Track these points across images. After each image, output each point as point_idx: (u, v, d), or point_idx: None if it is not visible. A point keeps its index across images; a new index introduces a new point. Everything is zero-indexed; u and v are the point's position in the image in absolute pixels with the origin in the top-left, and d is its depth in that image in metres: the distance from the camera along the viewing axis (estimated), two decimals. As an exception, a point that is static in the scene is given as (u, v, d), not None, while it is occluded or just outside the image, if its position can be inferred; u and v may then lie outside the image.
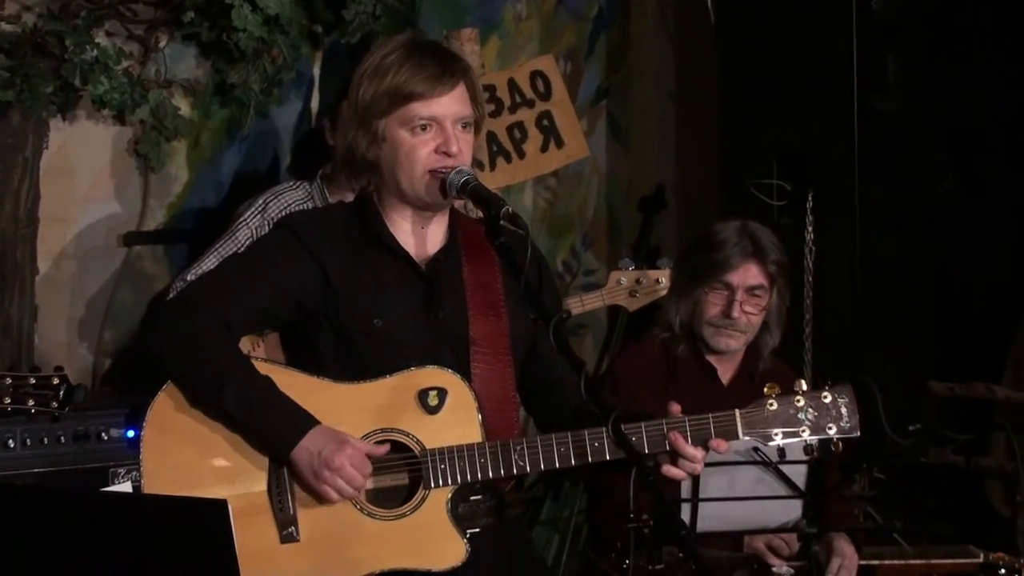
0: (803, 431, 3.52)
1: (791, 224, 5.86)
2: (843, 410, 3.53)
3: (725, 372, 4.76)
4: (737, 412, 3.51)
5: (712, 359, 4.73)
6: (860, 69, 5.82)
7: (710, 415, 3.49)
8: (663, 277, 5.11)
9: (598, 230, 6.80)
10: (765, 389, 3.53)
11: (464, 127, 3.56)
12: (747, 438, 3.51)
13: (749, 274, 4.65)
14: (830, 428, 3.52)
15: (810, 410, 3.52)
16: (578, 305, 5.14)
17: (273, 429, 3.45)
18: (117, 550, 2.86)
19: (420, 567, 3.46)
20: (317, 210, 4.46)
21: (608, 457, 3.46)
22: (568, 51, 6.60)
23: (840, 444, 3.53)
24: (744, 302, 4.64)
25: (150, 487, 3.47)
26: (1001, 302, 6.39)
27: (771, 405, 3.52)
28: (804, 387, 3.53)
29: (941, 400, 6.00)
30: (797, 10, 6.00)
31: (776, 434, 3.51)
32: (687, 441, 3.46)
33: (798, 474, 4.10)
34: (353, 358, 3.53)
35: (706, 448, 3.48)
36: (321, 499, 3.45)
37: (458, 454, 3.47)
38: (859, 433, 3.54)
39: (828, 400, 3.53)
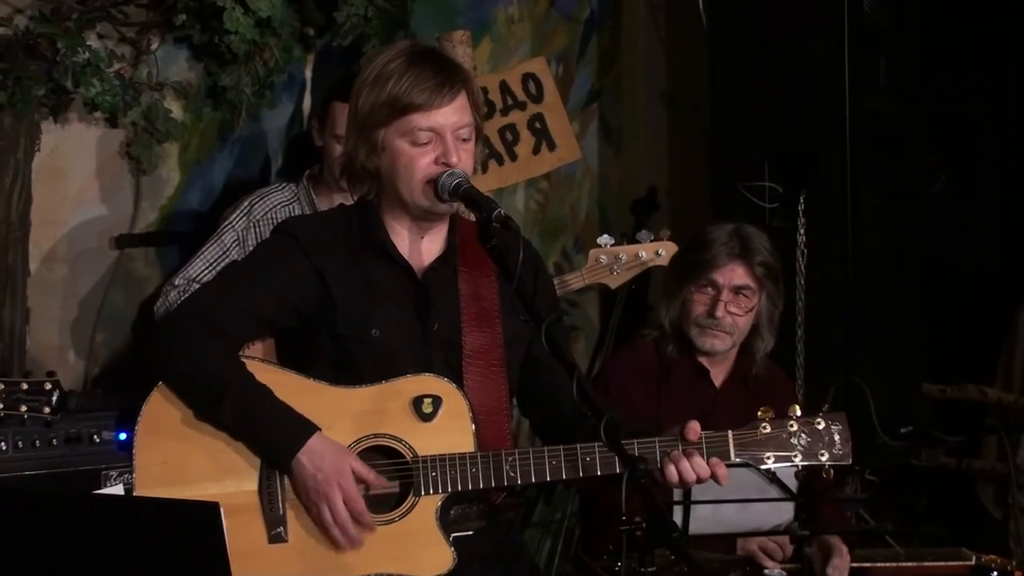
0: (795, 456, 3.51)
1: (783, 226, 5.85)
2: (836, 437, 3.52)
3: (718, 374, 4.76)
4: (730, 433, 3.50)
5: (704, 360, 4.73)
6: (852, 71, 5.82)
7: (703, 434, 3.48)
8: (644, 251, 5.06)
9: (590, 233, 6.79)
10: (759, 412, 3.52)
11: (463, 138, 3.55)
12: (738, 459, 3.51)
13: (735, 274, 4.64)
14: (822, 455, 3.52)
15: (803, 435, 3.51)
16: (559, 286, 5.09)
17: (272, 439, 3.45)
18: (109, 552, 2.86)
19: (406, 573, 3.46)
20: (316, 215, 4.45)
21: (599, 472, 3.46)
22: (560, 53, 6.59)
23: (832, 472, 3.53)
24: (729, 302, 4.64)
25: (141, 483, 3.47)
26: (993, 303, 6.41)
27: (764, 428, 3.51)
28: (798, 412, 3.53)
29: (933, 402, 6.01)
30: (789, 11, 6.00)
31: (768, 457, 3.51)
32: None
33: (790, 476, 4.10)
34: (348, 366, 3.53)
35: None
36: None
37: (449, 462, 3.47)
38: (851, 461, 3.53)
39: (821, 427, 3.53)
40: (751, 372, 4.74)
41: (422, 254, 3.62)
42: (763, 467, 3.52)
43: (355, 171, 3.60)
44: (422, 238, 3.62)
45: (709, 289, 4.65)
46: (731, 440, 3.50)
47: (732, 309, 4.64)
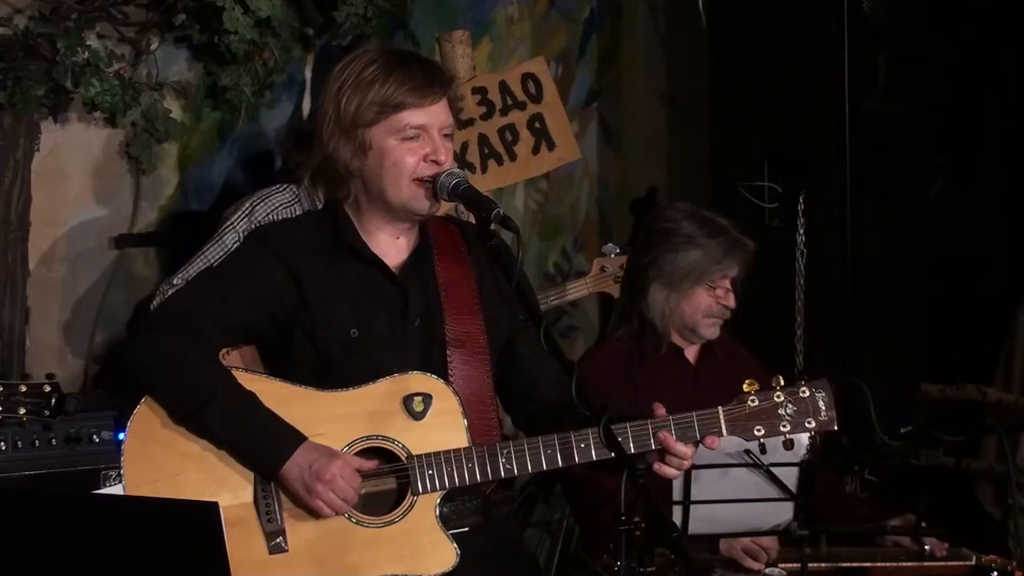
0: (784, 426, 3.56)
1: (782, 226, 5.85)
2: (820, 404, 3.57)
3: (691, 352, 4.77)
4: (720, 410, 3.53)
5: (679, 341, 4.73)
6: (851, 70, 5.82)
7: (694, 413, 3.51)
8: None
9: (589, 233, 6.80)
10: (745, 386, 3.56)
11: (446, 136, 3.58)
12: (733, 437, 3.54)
13: (737, 266, 4.68)
14: (809, 423, 3.57)
15: (790, 405, 3.56)
16: (562, 294, 5.10)
17: (261, 446, 3.45)
18: (108, 552, 2.86)
19: (411, 573, 3.46)
20: (288, 221, 4.45)
21: (595, 457, 3.47)
22: (559, 53, 6.60)
23: (818, 438, 3.58)
24: (731, 291, 4.68)
25: None
26: (992, 303, 6.41)
27: (752, 402, 3.55)
28: (781, 382, 3.57)
29: (932, 402, 6.01)
30: (788, 11, 6.00)
31: (758, 430, 3.55)
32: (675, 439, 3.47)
33: (789, 476, 4.10)
34: (330, 368, 3.53)
35: (697, 445, 3.50)
36: (310, 510, 3.45)
37: (445, 459, 3.47)
38: (836, 427, 3.59)
39: (806, 395, 3.57)
40: (716, 341, 4.76)
41: (397, 252, 3.63)
42: (753, 440, 3.57)
43: (335, 173, 3.60)
44: (399, 239, 3.64)
45: (725, 284, 4.66)
46: (722, 416, 3.53)
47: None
